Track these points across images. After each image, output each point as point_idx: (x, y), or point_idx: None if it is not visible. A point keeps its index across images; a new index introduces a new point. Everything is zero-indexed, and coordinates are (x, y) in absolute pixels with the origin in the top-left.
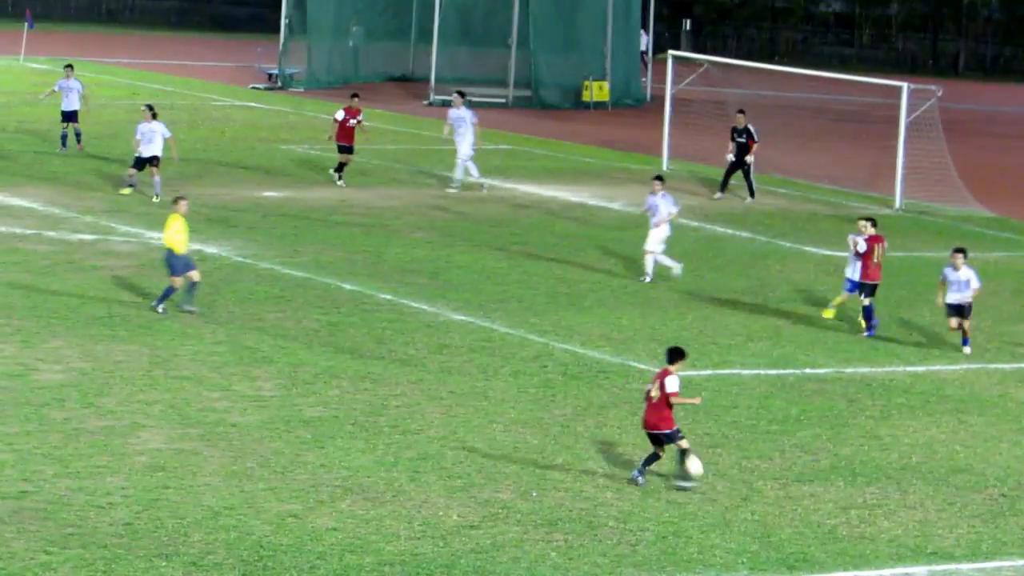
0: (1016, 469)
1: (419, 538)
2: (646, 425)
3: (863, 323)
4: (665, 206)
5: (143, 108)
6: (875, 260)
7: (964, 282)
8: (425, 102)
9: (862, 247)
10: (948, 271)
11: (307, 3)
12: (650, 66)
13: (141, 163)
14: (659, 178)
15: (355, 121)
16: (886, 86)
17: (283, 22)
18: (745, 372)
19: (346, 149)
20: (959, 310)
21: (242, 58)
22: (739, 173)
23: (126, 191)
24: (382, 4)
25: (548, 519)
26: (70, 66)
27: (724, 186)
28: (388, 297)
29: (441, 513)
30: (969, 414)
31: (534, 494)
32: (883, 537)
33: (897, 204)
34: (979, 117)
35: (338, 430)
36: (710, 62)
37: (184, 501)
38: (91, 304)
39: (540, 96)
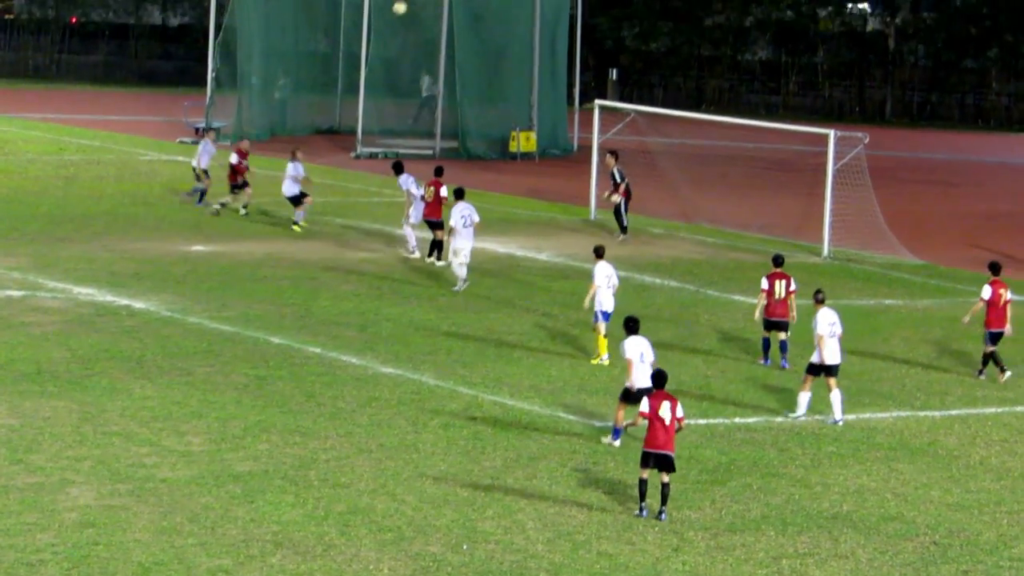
0: (947, 517)
1: None
2: (667, 447)
3: (780, 358)
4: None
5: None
6: (776, 297)
7: None
8: (352, 154)
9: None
10: None
11: (235, 56)
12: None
13: (296, 200)
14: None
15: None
16: (813, 134)
17: (210, 76)
18: None
19: (434, 224)
20: None
21: (169, 112)
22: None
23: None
24: (309, 57)
25: (479, 572)
26: (210, 129)
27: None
28: (317, 350)
29: (372, 567)
30: (899, 462)
31: (465, 547)
32: None
33: (825, 252)
34: (906, 164)
35: (268, 484)
36: (636, 111)
37: (114, 557)
38: (20, 361)
39: (467, 147)
